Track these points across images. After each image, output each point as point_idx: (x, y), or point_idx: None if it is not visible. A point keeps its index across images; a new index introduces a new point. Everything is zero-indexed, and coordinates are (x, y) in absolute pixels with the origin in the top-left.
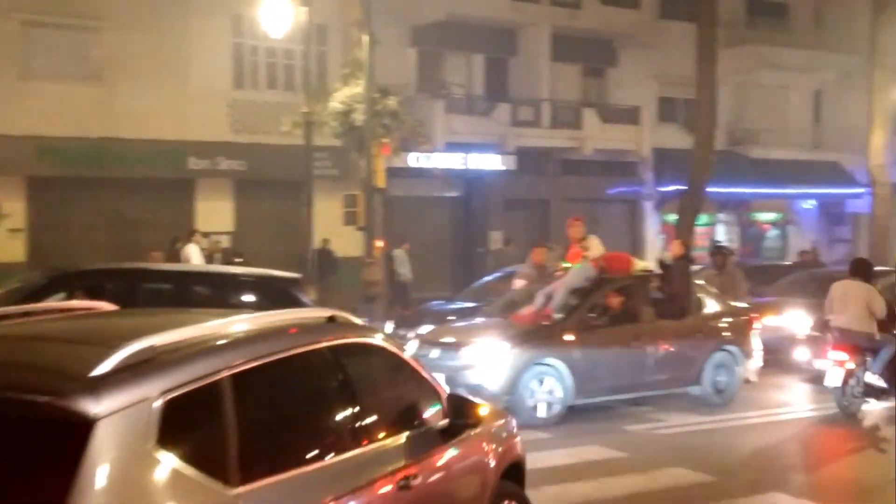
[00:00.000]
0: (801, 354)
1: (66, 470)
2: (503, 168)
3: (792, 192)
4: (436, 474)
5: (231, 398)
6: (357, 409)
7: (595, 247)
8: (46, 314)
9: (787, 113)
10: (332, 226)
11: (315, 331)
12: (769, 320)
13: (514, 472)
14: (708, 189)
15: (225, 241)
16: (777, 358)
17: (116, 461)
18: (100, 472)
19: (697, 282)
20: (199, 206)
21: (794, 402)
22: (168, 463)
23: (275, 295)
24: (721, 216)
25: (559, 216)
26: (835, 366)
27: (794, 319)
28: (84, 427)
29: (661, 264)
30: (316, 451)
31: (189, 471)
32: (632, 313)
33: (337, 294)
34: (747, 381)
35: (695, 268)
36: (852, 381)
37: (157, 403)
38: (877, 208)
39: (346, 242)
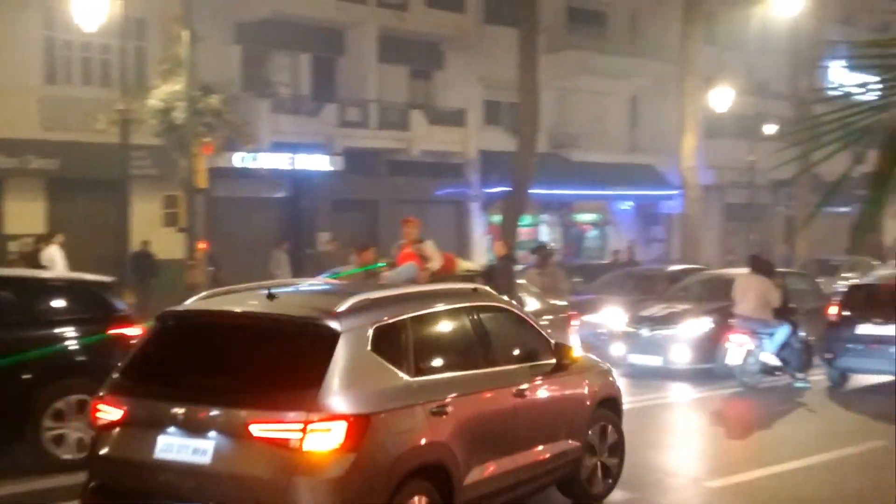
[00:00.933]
0: (617, 349)
1: (323, 360)
2: (331, 169)
3: (610, 193)
4: (542, 392)
5: (410, 330)
6: (490, 345)
7: (434, 255)
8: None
9: (605, 117)
10: (151, 227)
11: (461, 296)
12: (588, 317)
13: (611, 404)
14: (531, 191)
15: (32, 244)
16: (595, 354)
17: (350, 357)
18: (341, 362)
19: (519, 281)
20: (8, 208)
21: None
22: (377, 360)
23: (85, 299)
24: (544, 217)
25: (388, 217)
26: (736, 347)
27: (611, 316)
28: (333, 337)
29: (486, 265)
30: (462, 366)
31: (388, 365)
32: None
33: (156, 297)
34: None
35: (518, 267)
36: (750, 360)
37: (371, 328)
38: (688, 209)
39: (167, 244)
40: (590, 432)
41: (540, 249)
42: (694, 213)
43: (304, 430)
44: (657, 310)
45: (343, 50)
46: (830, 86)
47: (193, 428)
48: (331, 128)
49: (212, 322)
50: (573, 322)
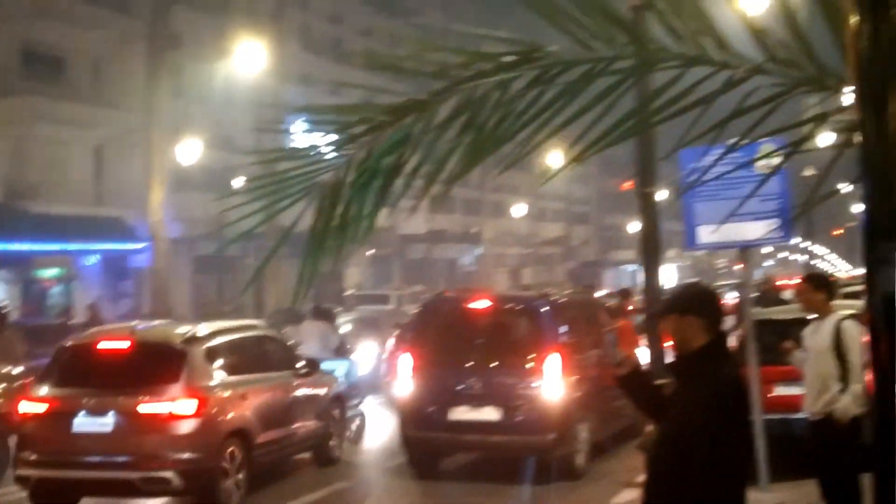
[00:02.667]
0: None
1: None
2: None
3: (73, 247)
4: (300, 388)
5: (226, 349)
6: (269, 357)
7: None
8: None
9: (68, 167)
10: None
11: (250, 328)
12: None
13: (340, 398)
14: None
15: None
16: None
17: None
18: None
19: None
20: None
21: None
22: (208, 366)
23: None
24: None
25: None
26: None
27: None
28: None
29: None
30: (255, 370)
31: (214, 369)
32: None
33: None
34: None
35: None
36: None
37: (203, 347)
38: (157, 262)
39: None
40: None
41: None
42: (163, 266)
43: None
44: None
45: None
46: (290, 143)
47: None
48: None
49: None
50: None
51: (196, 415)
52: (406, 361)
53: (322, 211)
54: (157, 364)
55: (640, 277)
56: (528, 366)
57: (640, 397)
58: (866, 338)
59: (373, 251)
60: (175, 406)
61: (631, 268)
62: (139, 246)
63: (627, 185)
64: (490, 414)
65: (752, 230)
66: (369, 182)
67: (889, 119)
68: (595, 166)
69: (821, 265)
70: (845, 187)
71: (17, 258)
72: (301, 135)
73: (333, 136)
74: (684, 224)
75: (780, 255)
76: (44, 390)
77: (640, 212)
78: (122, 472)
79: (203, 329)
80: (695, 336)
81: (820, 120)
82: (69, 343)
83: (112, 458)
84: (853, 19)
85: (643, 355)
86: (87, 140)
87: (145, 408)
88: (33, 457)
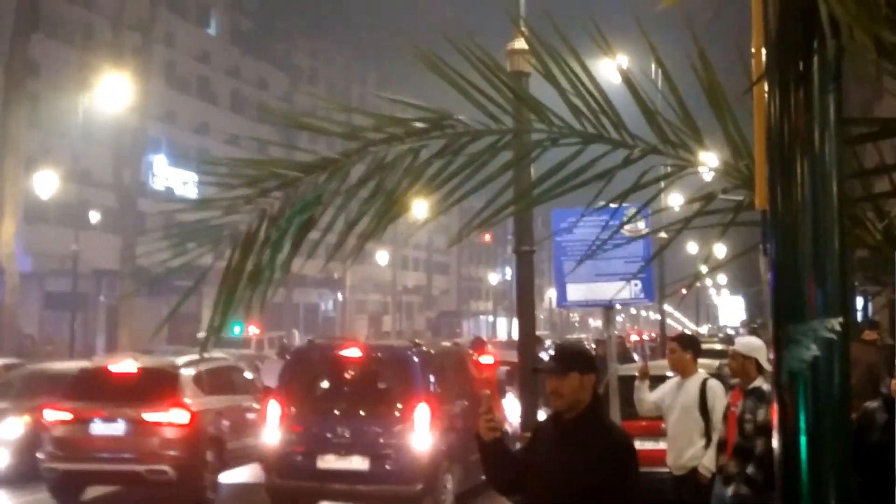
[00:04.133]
0: None
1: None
2: None
3: None
4: (250, 408)
5: (206, 375)
6: (234, 382)
7: None
8: None
9: None
10: None
11: (219, 360)
12: None
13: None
14: None
15: None
16: None
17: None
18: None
19: None
20: None
21: None
22: (195, 388)
23: None
24: None
25: None
26: None
27: None
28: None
29: None
30: (226, 392)
31: (198, 390)
32: None
33: None
34: None
35: None
36: None
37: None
38: (6, 297)
39: None
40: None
41: None
42: (12, 301)
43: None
44: None
45: None
46: (154, 179)
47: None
48: None
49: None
50: None
51: (187, 424)
52: (274, 408)
53: (234, 261)
54: (157, 384)
55: (499, 328)
56: (397, 414)
57: (496, 463)
58: (726, 399)
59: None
60: (171, 416)
61: (489, 318)
62: None
63: (487, 238)
64: (358, 463)
65: (616, 290)
66: (282, 236)
67: (797, 187)
68: (456, 217)
69: (670, 322)
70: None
71: None
72: (163, 171)
73: (237, 189)
74: (554, 281)
75: (632, 310)
76: (67, 403)
77: (516, 267)
78: (130, 465)
79: (190, 358)
80: (586, 394)
81: (709, 198)
82: (87, 367)
83: (122, 455)
84: (762, 83)
85: (509, 409)
86: None
87: (149, 417)
88: (60, 453)
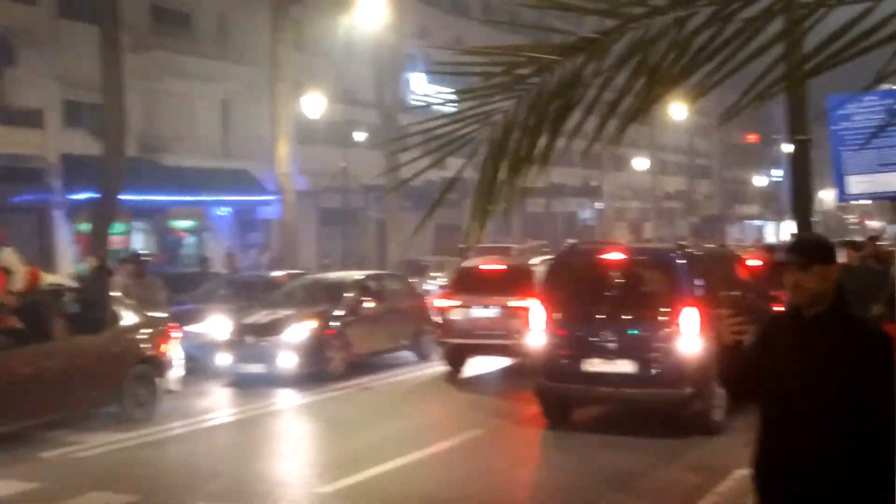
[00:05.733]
0: (222, 359)
1: None
2: None
3: (207, 199)
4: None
5: None
6: None
7: (17, 267)
8: None
9: (196, 121)
10: None
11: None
12: (191, 328)
13: None
14: (121, 197)
15: None
16: (200, 365)
17: None
18: None
19: (113, 293)
20: None
21: (218, 407)
22: None
23: None
24: (137, 224)
25: None
26: None
27: (215, 325)
28: None
29: (78, 278)
30: None
31: None
32: (41, 331)
33: None
34: (169, 392)
35: (114, 278)
36: None
37: None
38: (285, 214)
39: None
40: None
41: (133, 259)
42: (291, 218)
43: None
44: (260, 317)
45: None
46: (413, 96)
47: None
48: None
49: None
50: (174, 334)
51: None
52: (539, 313)
53: (492, 154)
54: (517, 279)
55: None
56: (662, 318)
57: (734, 368)
58: None
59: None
60: (527, 303)
61: (757, 223)
62: (268, 198)
63: (752, 137)
64: (625, 366)
65: None
66: (541, 123)
67: None
68: (717, 119)
69: None
70: None
71: (152, 209)
72: (421, 88)
73: (494, 79)
74: (833, 175)
75: None
76: (454, 294)
77: (790, 161)
78: (500, 340)
79: (542, 258)
80: (830, 288)
81: None
82: (463, 266)
83: (494, 333)
84: None
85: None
86: (213, 94)
87: (512, 303)
88: (450, 332)
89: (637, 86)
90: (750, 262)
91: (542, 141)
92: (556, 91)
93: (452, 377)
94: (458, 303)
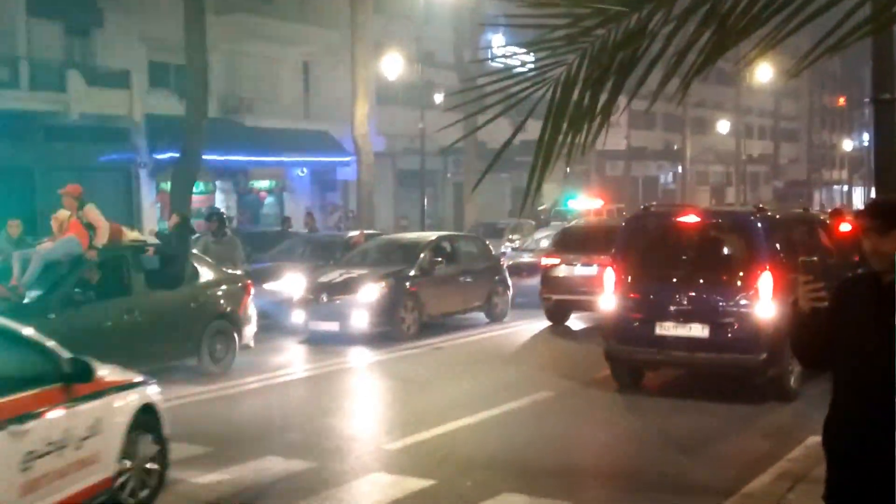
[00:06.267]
0: (297, 317)
1: None
2: None
3: (286, 159)
4: None
5: None
6: None
7: (99, 222)
8: None
9: (277, 83)
10: None
11: None
12: (268, 285)
13: None
14: (204, 157)
15: None
16: (275, 322)
17: None
18: None
19: (194, 251)
20: None
21: (292, 364)
22: None
23: None
24: (218, 184)
25: (45, 186)
26: None
27: (291, 283)
28: None
29: (159, 235)
30: None
31: None
32: (123, 286)
33: None
34: (245, 348)
35: (195, 236)
36: None
37: None
38: (362, 175)
39: None
40: None
41: (214, 217)
42: (368, 178)
43: None
44: (335, 276)
45: None
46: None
47: None
48: None
49: None
50: (251, 291)
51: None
52: (611, 276)
53: (554, 108)
54: (607, 237)
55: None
56: (738, 283)
57: (808, 336)
58: None
59: (568, 168)
60: (606, 261)
61: (844, 188)
62: (345, 159)
63: (841, 100)
64: (698, 330)
65: None
66: (603, 77)
67: None
68: (806, 81)
69: None
70: None
71: (233, 169)
72: (500, 49)
73: (560, 31)
74: None
75: None
76: (556, 253)
77: (874, 122)
78: (593, 297)
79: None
80: None
81: None
82: (566, 226)
83: (595, 289)
84: None
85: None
86: (294, 56)
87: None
88: (551, 288)
89: (705, 36)
90: (841, 228)
91: (604, 95)
92: (621, 42)
93: (524, 337)
94: (559, 261)
